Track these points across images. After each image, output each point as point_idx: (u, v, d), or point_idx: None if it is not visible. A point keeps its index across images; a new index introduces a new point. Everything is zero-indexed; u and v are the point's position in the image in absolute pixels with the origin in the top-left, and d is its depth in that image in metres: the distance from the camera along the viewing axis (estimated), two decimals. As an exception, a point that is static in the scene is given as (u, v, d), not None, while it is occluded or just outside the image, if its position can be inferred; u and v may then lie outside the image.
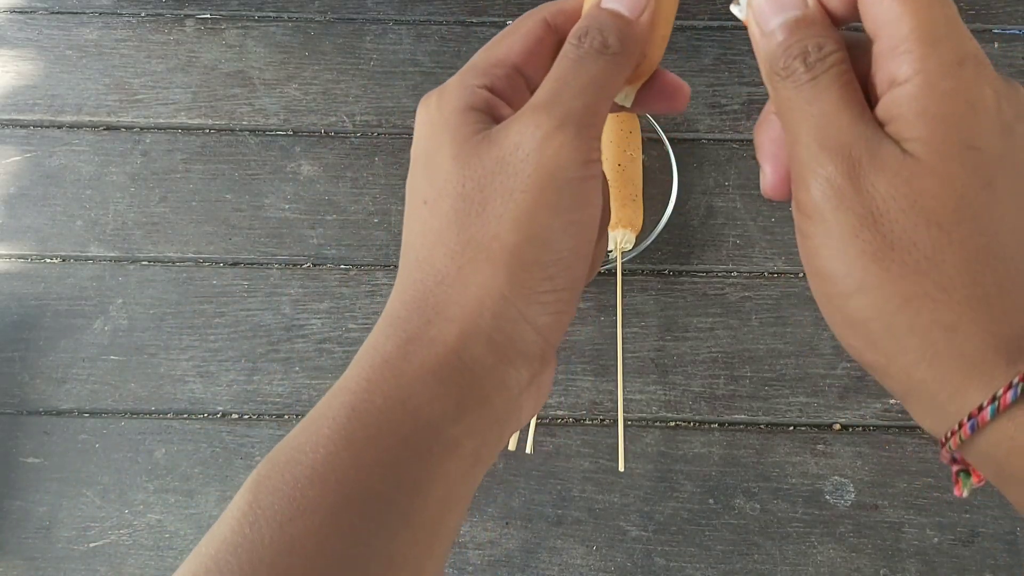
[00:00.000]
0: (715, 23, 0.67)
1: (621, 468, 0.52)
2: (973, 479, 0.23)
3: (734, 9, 0.26)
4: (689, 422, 0.55)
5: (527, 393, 0.26)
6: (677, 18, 0.70)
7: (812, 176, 0.22)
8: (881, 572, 0.51)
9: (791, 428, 0.54)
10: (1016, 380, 0.20)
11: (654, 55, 0.27)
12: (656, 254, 0.59)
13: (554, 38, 0.27)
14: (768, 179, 0.27)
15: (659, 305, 0.58)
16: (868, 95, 0.23)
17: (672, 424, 0.55)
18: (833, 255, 0.22)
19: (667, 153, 0.59)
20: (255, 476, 0.23)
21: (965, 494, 0.23)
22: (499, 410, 0.25)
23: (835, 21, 0.24)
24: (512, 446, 0.53)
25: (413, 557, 0.23)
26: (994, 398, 0.20)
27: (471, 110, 0.25)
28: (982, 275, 0.21)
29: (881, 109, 0.22)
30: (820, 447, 0.54)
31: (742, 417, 0.54)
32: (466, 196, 0.24)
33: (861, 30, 0.25)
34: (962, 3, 0.67)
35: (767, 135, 0.26)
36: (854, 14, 0.24)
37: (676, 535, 0.52)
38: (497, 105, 0.26)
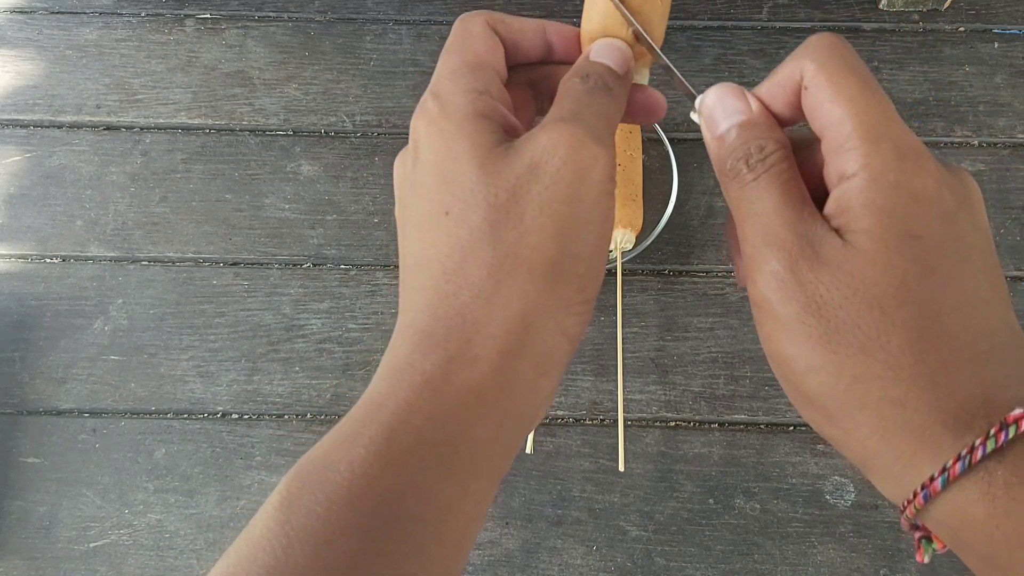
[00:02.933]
0: (715, 23, 0.67)
1: (621, 468, 0.52)
2: (936, 545, 0.25)
3: (693, 115, 0.28)
4: (689, 422, 0.55)
5: (544, 407, 0.26)
6: (678, 18, 0.70)
7: (758, 271, 0.24)
8: (881, 572, 0.51)
9: (791, 428, 0.54)
10: (964, 452, 0.21)
11: (657, 35, 0.29)
12: (656, 254, 0.59)
13: (500, 43, 0.28)
14: (739, 272, 0.28)
15: (659, 305, 0.58)
16: (823, 187, 0.24)
17: (672, 424, 0.55)
18: (783, 340, 0.24)
19: (667, 153, 0.59)
20: (286, 493, 0.22)
21: (927, 560, 0.25)
22: (528, 420, 0.25)
23: (782, 123, 0.26)
24: (530, 448, 0.53)
25: (442, 571, 0.23)
26: (944, 469, 0.22)
27: (483, 118, 0.25)
28: (927, 353, 0.22)
29: (831, 202, 0.24)
30: (820, 447, 0.54)
31: (742, 417, 0.54)
32: (499, 206, 0.24)
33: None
34: (962, 3, 0.67)
35: (733, 231, 0.27)
36: (800, 115, 0.26)
37: (676, 535, 0.52)
38: (505, 115, 0.26)
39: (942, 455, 0.22)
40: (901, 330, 0.22)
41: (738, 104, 0.26)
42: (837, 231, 0.23)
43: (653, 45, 0.29)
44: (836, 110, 0.23)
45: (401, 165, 0.27)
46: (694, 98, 0.28)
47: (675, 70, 0.29)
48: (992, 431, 0.21)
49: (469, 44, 0.27)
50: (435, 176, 0.25)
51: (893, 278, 0.22)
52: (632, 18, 0.28)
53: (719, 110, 0.27)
